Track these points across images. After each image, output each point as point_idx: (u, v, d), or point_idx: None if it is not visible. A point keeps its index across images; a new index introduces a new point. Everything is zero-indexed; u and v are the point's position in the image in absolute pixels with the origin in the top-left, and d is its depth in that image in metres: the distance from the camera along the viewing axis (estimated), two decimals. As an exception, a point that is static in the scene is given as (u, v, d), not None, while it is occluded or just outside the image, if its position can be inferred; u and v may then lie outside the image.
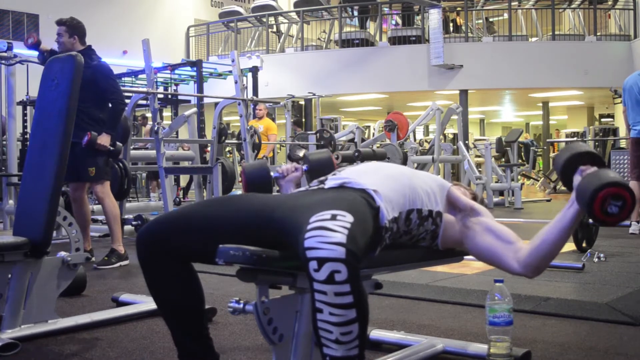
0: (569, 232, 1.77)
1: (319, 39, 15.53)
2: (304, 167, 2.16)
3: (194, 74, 7.92)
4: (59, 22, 4.48)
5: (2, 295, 2.47)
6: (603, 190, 1.62)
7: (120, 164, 5.56)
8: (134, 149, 7.37)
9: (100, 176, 4.34)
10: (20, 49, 5.76)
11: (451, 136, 15.62)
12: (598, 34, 13.31)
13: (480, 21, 14.92)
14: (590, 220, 4.63)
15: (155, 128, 5.75)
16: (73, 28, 4.51)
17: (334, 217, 1.43)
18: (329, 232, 1.38)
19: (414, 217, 1.78)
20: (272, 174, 2.12)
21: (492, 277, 2.61)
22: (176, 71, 8.30)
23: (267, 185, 2.10)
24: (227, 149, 11.31)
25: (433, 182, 1.89)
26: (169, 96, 8.84)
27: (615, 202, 1.63)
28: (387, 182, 1.76)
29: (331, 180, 1.81)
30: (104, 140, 4.24)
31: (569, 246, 4.64)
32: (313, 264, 1.35)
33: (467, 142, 11.13)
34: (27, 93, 7.16)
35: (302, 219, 1.46)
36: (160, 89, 8.71)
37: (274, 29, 15.98)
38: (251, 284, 1.54)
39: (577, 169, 1.76)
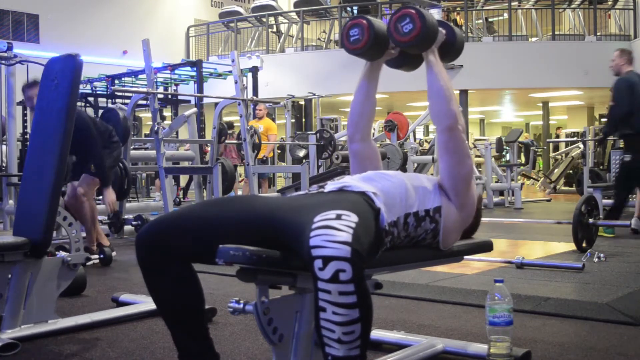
0: (433, 71, 1.91)
1: (319, 39, 15.53)
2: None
3: (194, 74, 7.92)
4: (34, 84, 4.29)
5: (2, 295, 2.47)
6: (390, 21, 1.90)
7: (120, 164, 5.56)
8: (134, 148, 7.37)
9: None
10: (20, 49, 5.76)
11: (451, 136, 15.56)
12: (598, 34, 13.31)
13: (480, 21, 14.91)
14: (600, 213, 4.60)
15: (155, 128, 5.75)
16: None
17: (339, 217, 1.43)
18: (334, 231, 1.38)
19: (411, 221, 1.79)
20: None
21: (492, 277, 2.61)
22: (176, 71, 8.31)
23: (384, 46, 2.00)
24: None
25: (425, 181, 1.89)
26: (169, 96, 8.84)
27: (403, 22, 1.87)
28: (384, 189, 1.76)
29: (331, 185, 1.81)
30: (112, 197, 4.41)
31: (569, 246, 4.64)
32: (318, 263, 1.35)
33: (467, 142, 11.10)
34: (27, 93, 7.15)
35: (305, 219, 1.46)
36: (160, 89, 8.71)
37: (274, 29, 15.97)
38: (251, 284, 1.54)
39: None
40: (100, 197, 5.24)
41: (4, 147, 6.33)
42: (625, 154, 5.70)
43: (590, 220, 4.58)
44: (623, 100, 5.41)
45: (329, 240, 1.36)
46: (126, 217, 5.92)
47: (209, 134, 7.05)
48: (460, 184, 1.88)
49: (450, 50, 2.05)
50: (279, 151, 12.33)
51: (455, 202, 1.87)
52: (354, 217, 1.44)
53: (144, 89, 6.87)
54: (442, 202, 1.85)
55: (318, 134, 9.14)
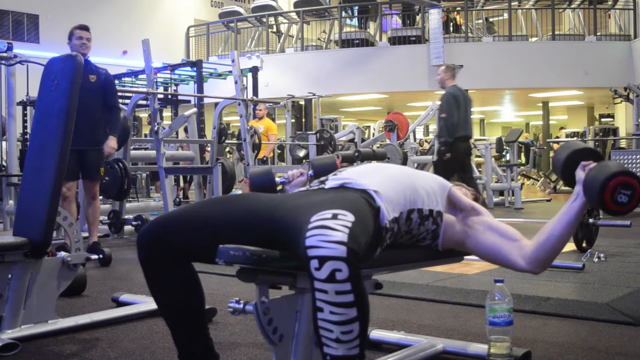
0: (574, 225, 1.78)
1: (319, 39, 15.53)
2: (310, 172, 2.16)
3: (194, 74, 7.92)
4: (87, 27, 4.64)
5: (2, 296, 2.47)
6: (612, 179, 1.65)
7: (120, 164, 5.56)
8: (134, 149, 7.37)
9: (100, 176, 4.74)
10: (20, 49, 5.76)
11: (451, 136, 15.57)
12: (598, 34, 13.31)
13: (480, 21, 14.92)
14: (600, 213, 4.66)
15: (155, 128, 5.75)
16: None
17: (335, 216, 1.43)
18: (330, 230, 1.38)
19: (415, 217, 1.78)
20: (277, 179, 2.12)
21: (492, 277, 2.61)
22: (176, 71, 8.30)
23: (273, 191, 2.10)
24: (227, 150, 11.31)
25: (434, 181, 1.88)
26: (169, 96, 8.84)
27: (625, 190, 1.65)
28: (387, 183, 1.76)
29: (332, 181, 1.81)
30: (114, 144, 4.67)
31: (569, 246, 4.64)
32: (314, 263, 1.35)
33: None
34: (27, 93, 7.16)
35: (303, 219, 1.46)
36: (160, 89, 8.70)
37: (274, 29, 15.97)
38: (251, 284, 1.54)
39: (579, 164, 1.77)
40: (101, 197, 5.32)
41: (4, 143, 6.33)
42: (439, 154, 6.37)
43: (590, 220, 4.58)
44: (451, 110, 6.08)
45: (324, 240, 1.36)
46: (126, 217, 5.92)
47: (209, 134, 7.04)
48: (483, 256, 1.92)
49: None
50: (279, 151, 12.33)
51: (466, 239, 1.89)
52: (350, 217, 1.44)
53: (144, 89, 6.86)
54: (445, 213, 1.85)
55: (318, 134, 9.15)
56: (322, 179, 1.86)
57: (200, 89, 7.47)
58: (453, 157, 6.16)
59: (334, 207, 1.49)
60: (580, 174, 1.75)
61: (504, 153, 13.20)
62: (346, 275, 1.34)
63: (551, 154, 15.51)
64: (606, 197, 1.66)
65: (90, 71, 4.56)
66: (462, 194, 1.96)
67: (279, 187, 2.14)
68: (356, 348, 1.40)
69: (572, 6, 14.10)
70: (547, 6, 13.73)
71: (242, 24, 15.92)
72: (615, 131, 13.13)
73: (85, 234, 4.73)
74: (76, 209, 4.92)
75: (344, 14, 14.78)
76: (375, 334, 2.35)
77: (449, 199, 1.89)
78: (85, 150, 4.47)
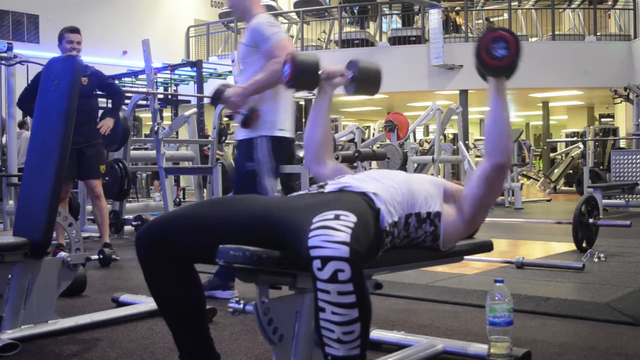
0: (498, 106, 1.79)
1: (319, 39, 15.53)
2: (350, 74, 2.06)
3: (194, 74, 7.93)
4: (77, 30, 4.62)
5: (2, 296, 2.47)
6: (481, 40, 1.72)
7: (120, 164, 5.56)
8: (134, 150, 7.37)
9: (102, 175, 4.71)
10: (20, 49, 5.76)
11: (451, 136, 15.61)
12: (598, 34, 13.31)
13: (480, 21, 14.91)
14: (600, 213, 4.59)
15: (155, 128, 5.75)
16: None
17: (337, 217, 1.43)
18: (333, 231, 1.38)
19: (412, 221, 1.78)
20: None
21: (492, 277, 2.61)
22: (176, 71, 8.32)
23: (313, 79, 2.03)
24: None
25: (430, 183, 1.89)
26: (169, 96, 8.84)
27: (498, 44, 1.70)
28: (386, 188, 1.76)
29: (331, 185, 1.81)
30: (110, 123, 4.70)
31: (569, 246, 4.64)
32: (317, 263, 1.35)
33: (467, 142, 11.13)
34: (27, 93, 7.14)
35: (304, 219, 1.47)
36: (160, 89, 8.71)
37: (274, 29, 15.96)
38: (251, 284, 1.54)
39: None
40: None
41: (4, 139, 6.33)
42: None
43: (590, 220, 4.58)
44: None
45: (327, 241, 1.36)
46: (126, 217, 5.92)
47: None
48: (481, 212, 1.91)
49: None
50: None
51: (464, 218, 1.88)
52: (352, 217, 1.45)
53: (144, 89, 6.87)
54: (443, 209, 1.85)
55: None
56: (321, 183, 1.86)
57: (200, 89, 7.48)
58: None
59: (335, 207, 1.49)
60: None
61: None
62: (349, 275, 1.34)
63: (551, 154, 15.53)
64: (484, 57, 1.71)
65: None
66: (453, 183, 1.98)
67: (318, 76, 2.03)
68: (357, 348, 1.40)
69: (572, 6, 14.09)
70: (547, 6, 13.73)
71: (242, 24, 15.89)
72: (615, 131, 13.13)
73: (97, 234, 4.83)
74: (73, 209, 4.91)
75: (344, 14, 14.77)
76: (375, 334, 2.35)
77: (445, 195, 1.89)
78: (81, 147, 4.46)
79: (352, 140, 9.91)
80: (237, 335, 2.53)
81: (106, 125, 4.67)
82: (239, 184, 3.19)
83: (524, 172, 14.05)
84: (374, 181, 1.79)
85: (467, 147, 10.38)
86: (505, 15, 13.88)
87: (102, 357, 2.30)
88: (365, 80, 2.07)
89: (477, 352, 2.16)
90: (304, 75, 2.01)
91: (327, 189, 1.79)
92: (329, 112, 2.14)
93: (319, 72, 2.04)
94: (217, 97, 3.05)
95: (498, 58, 1.71)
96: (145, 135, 10.80)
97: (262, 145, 3.07)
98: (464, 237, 1.98)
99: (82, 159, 4.50)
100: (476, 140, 14.33)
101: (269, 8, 15.25)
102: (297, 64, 1.98)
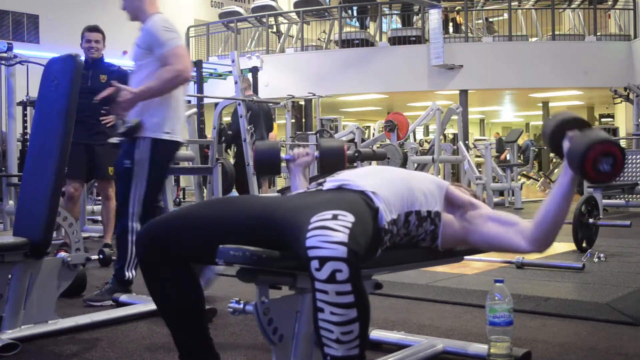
0: (568, 198, 1.74)
1: (319, 39, 15.52)
2: (316, 153, 2.14)
3: (194, 74, 7.92)
4: (95, 29, 4.58)
5: (2, 296, 2.47)
6: (592, 149, 1.62)
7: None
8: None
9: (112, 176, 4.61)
10: (20, 49, 5.76)
11: (451, 136, 15.62)
12: (598, 34, 13.30)
13: (480, 21, 14.91)
14: (601, 213, 4.59)
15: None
16: (104, 36, 4.69)
17: (335, 217, 1.43)
18: (330, 231, 1.38)
19: (413, 219, 1.78)
20: (282, 156, 2.11)
21: (492, 277, 2.61)
22: (176, 71, 8.29)
23: (276, 166, 2.09)
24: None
25: (430, 182, 1.88)
26: (169, 96, 8.83)
27: (606, 159, 1.62)
28: (385, 185, 1.75)
29: (330, 182, 1.81)
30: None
31: (569, 246, 4.64)
32: (315, 263, 1.35)
33: (467, 142, 11.13)
34: (27, 93, 7.15)
35: (303, 219, 1.47)
36: (160, 89, 8.69)
37: (274, 29, 15.96)
38: (251, 284, 1.54)
39: (565, 135, 1.74)
40: (99, 198, 5.30)
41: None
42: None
43: (590, 220, 4.58)
44: (237, 123, 6.36)
45: (325, 241, 1.36)
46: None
47: (209, 134, 7.04)
48: (483, 248, 1.93)
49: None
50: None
51: (466, 235, 1.88)
52: (350, 217, 1.45)
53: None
54: (443, 213, 1.85)
55: (318, 134, 9.14)
56: (320, 180, 1.86)
57: (200, 89, 7.47)
58: None
59: (334, 207, 1.49)
60: (566, 145, 1.72)
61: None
62: (346, 275, 1.34)
63: (551, 154, 15.52)
64: (588, 168, 1.63)
65: (101, 71, 4.48)
66: (459, 191, 1.95)
67: (283, 164, 2.13)
68: (356, 348, 1.40)
69: (572, 6, 14.09)
70: (547, 6, 13.72)
71: (242, 24, 15.90)
72: (615, 131, 13.13)
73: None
74: (79, 209, 4.89)
75: (344, 14, 14.77)
76: (375, 334, 2.35)
77: (447, 198, 1.88)
78: (93, 145, 4.44)
79: (352, 140, 9.90)
80: (237, 335, 2.53)
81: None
82: (118, 182, 3.17)
83: (524, 172, 14.06)
84: (373, 178, 1.78)
85: (467, 147, 10.37)
86: (505, 15, 13.88)
87: (102, 357, 2.30)
88: (331, 158, 2.17)
89: (477, 352, 2.16)
90: (264, 164, 2.17)
91: (326, 186, 1.79)
92: (306, 181, 2.23)
93: (281, 157, 2.17)
94: (131, 130, 2.99)
95: (603, 173, 1.63)
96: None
97: (144, 146, 3.00)
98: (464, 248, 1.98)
99: (94, 158, 4.48)
100: (476, 140, 14.36)
101: (269, 8, 15.27)
102: (257, 156, 2.15)
